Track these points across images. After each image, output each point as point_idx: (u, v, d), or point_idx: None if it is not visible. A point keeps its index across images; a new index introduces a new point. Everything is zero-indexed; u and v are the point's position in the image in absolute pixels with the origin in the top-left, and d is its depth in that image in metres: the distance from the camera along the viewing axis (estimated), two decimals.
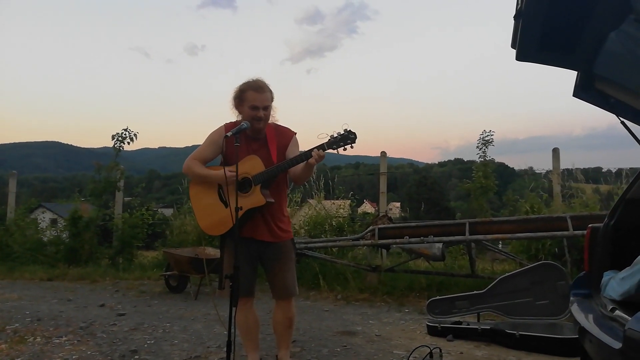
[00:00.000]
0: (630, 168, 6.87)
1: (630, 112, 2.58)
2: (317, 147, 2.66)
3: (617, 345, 1.79)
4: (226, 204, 2.87)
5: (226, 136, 2.71)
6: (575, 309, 2.50)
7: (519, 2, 2.23)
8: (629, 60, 2.34)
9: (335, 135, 2.65)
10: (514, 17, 2.31)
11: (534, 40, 2.42)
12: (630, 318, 1.83)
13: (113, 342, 3.85)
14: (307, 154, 2.69)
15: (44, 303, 5.47)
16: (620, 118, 2.61)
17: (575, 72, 2.73)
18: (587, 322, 2.26)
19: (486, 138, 7.16)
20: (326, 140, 2.66)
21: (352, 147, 2.66)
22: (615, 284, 2.33)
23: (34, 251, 8.36)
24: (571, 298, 2.67)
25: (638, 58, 2.29)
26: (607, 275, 2.49)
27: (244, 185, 2.79)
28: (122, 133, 8.35)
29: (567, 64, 2.65)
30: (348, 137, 2.64)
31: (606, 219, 2.73)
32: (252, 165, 2.80)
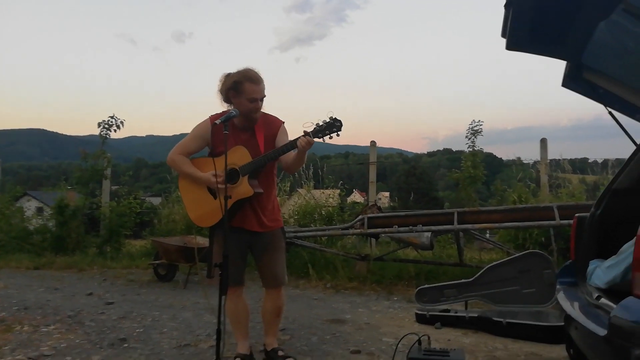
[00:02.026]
0: (616, 159, 6.98)
1: (617, 103, 2.62)
2: (302, 136, 2.63)
3: (602, 332, 1.82)
4: (215, 196, 2.85)
5: (215, 123, 2.69)
6: (561, 296, 2.54)
7: None
8: (617, 51, 2.36)
9: (321, 123, 2.62)
10: (504, 5, 2.31)
11: (524, 30, 2.43)
12: (615, 306, 1.86)
13: (102, 330, 3.83)
14: (293, 144, 2.67)
15: (31, 292, 5.42)
16: (608, 108, 2.64)
17: (565, 62, 2.74)
18: (573, 309, 2.30)
19: (475, 128, 7.21)
20: (311, 129, 2.63)
21: (338, 135, 2.62)
22: (601, 272, 2.37)
23: (20, 240, 8.26)
24: (557, 286, 2.72)
25: (626, 48, 2.31)
26: (592, 264, 2.54)
27: (231, 176, 2.77)
28: (109, 120, 8.24)
29: (556, 54, 2.67)
30: (334, 125, 2.61)
31: (592, 209, 2.77)
32: (238, 156, 2.77)
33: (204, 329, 3.87)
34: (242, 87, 2.80)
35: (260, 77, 2.85)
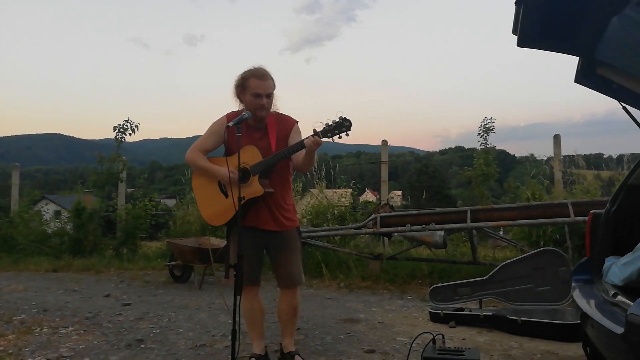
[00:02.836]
0: (631, 154, 6.87)
1: (632, 98, 2.58)
2: (311, 136, 2.64)
3: (619, 330, 1.81)
4: (226, 195, 2.88)
5: (228, 126, 2.72)
6: (577, 294, 2.52)
7: None
8: (631, 45, 2.33)
9: (330, 123, 2.62)
10: (515, 3, 2.30)
11: (536, 26, 2.41)
12: (632, 303, 1.84)
13: (119, 331, 3.89)
14: (302, 143, 2.68)
15: (50, 294, 5.52)
16: (622, 103, 2.61)
17: (577, 58, 2.72)
18: (589, 307, 2.28)
19: (487, 125, 7.15)
20: (321, 128, 2.64)
21: (347, 134, 2.62)
22: (617, 269, 2.35)
23: (39, 243, 8.42)
24: (573, 284, 2.70)
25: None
26: (608, 261, 2.51)
27: (243, 175, 2.79)
28: (124, 124, 8.35)
29: (568, 50, 2.64)
30: (343, 125, 2.61)
31: (608, 205, 2.74)
32: (250, 156, 2.80)
33: (219, 329, 3.91)
34: (247, 83, 2.84)
35: (267, 74, 2.87)
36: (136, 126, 8.43)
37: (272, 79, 2.90)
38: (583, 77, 2.72)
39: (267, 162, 2.79)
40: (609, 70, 2.59)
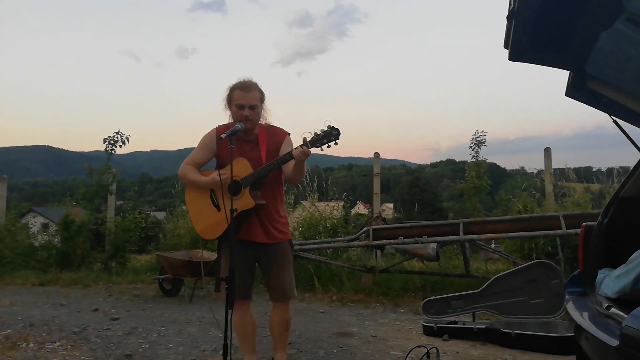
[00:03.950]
0: (620, 167, 6.95)
1: (622, 111, 2.61)
2: (299, 146, 2.63)
3: (614, 342, 1.80)
4: (218, 208, 2.86)
5: (220, 138, 2.70)
6: (570, 307, 2.51)
7: (512, 2, 2.24)
8: (621, 60, 2.36)
9: (319, 132, 2.60)
10: (506, 17, 2.32)
11: (527, 41, 2.43)
12: (626, 315, 1.83)
13: (107, 346, 3.81)
14: (291, 154, 2.67)
15: (36, 308, 5.41)
16: (613, 117, 2.63)
17: (568, 72, 2.75)
18: (583, 320, 2.27)
19: (479, 138, 7.22)
20: (309, 138, 2.63)
21: (336, 143, 2.61)
22: (610, 281, 2.35)
23: (26, 256, 8.28)
24: (566, 296, 2.68)
25: (630, 57, 2.31)
26: (602, 273, 2.51)
27: (234, 188, 2.77)
28: (114, 136, 8.31)
29: (559, 64, 2.67)
30: (331, 134, 2.59)
31: (600, 217, 2.75)
32: (240, 168, 2.78)
33: (209, 344, 3.84)
34: (232, 95, 2.87)
35: (254, 85, 2.88)
36: (127, 138, 8.39)
37: (260, 90, 2.90)
38: (574, 90, 2.75)
39: (258, 173, 2.77)
40: (600, 84, 2.62)
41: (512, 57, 2.54)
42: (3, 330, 4.33)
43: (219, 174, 2.74)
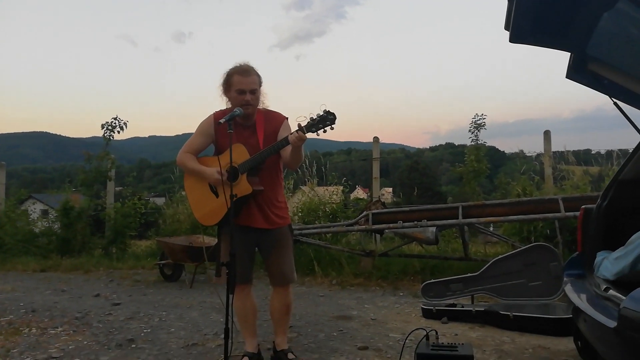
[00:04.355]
0: (620, 149, 6.94)
1: (623, 93, 2.59)
2: (295, 131, 2.61)
3: (612, 324, 1.82)
4: (217, 194, 2.86)
5: (219, 123, 2.69)
6: (569, 289, 2.54)
7: None
8: (622, 40, 2.34)
9: (314, 117, 2.58)
10: None
11: (528, 22, 2.41)
12: (624, 297, 1.85)
13: (109, 331, 3.85)
14: (287, 140, 2.65)
15: (38, 294, 5.45)
16: (613, 99, 2.62)
17: (568, 54, 2.72)
18: (581, 301, 2.29)
19: (478, 122, 7.19)
20: (305, 123, 2.61)
21: (332, 128, 2.59)
22: (609, 263, 2.36)
23: (26, 242, 8.31)
24: (565, 278, 2.71)
25: (632, 38, 2.29)
26: (600, 256, 2.53)
27: (232, 174, 2.76)
28: (112, 122, 8.27)
29: (560, 46, 2.65)
30: (327, 118, 2.57)
31: (599, 200, 2.76)
32: (237, 154, 2.75)
33: (211, 328, 3.88)
34: (231, 80, 2.83)
35: (251, 70, 2.85)
36: (124, 124, 8.35)
37: (258, 74, 2.88)
38: (574, 72, 2.73)
39: (255, 159, 2.76)
40: (601, 66, 2.61)
41: (513, 39, 2.52)
42: (5, 316, 4.36)
43: (217, 172, 2.73)
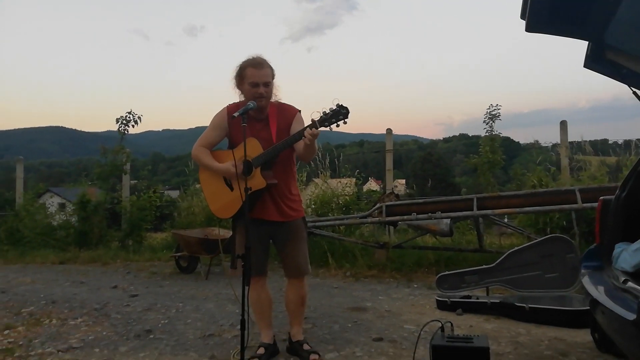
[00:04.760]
0: (638, 139, 6.81)
1: None
2: (308, 126, 2.61)
3: (631, 316, 1.80)
4: (231, 188, 2.88)
5: (233, 117, 2.70)
6: (586, 281, 2.51)
7: None
8: None
9: (328, 111, 2.58)
10: None
11: (545, 11, 2.36)
12: None
13: (127, 322, 3.92)
14: (301, 134, 2.65)
15: (57, 286, 5.56)
16: (633, 88, 2.57)
17: (586, 43, 2.67)
18: (599, 294, 2.27)
19: (493, 112, 7.11)
20: (317, 117, 2.60)
21: (345, 122, 2.58)
22: (628, 255, 2.33)
23: (45, 235, 8.47)
24: (582, 270, 2.68)
25: None
26: (618, 247, 2.49)
27: (246, 168, 2.78)
28: (127, 116, 8.35)
29: (577, 34, 2.59)
30: (340, 113, 2.56)
31: (618, 191, 2.72)
32: (251, 148, 2.77)
33: (227, 319, 3.92)
34: (244, 73, 2.83)
35: (265, 62, 2.85)
36: (139, 118, 8.44)
37: (271, 67, 2.88)
38: (592, 61, 2.68)
39: (268, 154, 2.77)
40: (619, 55, 2.55)
41: (530, 28, 2.48)
42: (27, 308, 4.47)
43: (232, 165, 2.75)
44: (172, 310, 4.30)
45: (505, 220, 6.52)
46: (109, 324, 3.89)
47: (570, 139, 6.87)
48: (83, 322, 3.97)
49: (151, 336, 3.54)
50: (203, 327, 3.74)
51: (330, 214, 7.03)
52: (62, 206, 11.18)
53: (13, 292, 5.23)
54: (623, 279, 2.22)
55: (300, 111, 3.01)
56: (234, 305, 4.32)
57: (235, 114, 2.66)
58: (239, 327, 2.57)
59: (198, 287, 5.35)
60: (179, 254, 6.25)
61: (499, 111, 7.10)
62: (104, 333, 3.64)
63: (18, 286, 5.58)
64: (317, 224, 6.18)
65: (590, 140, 7.30)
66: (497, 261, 4.09)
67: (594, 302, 2.31)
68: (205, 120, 3.07)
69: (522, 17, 2.44)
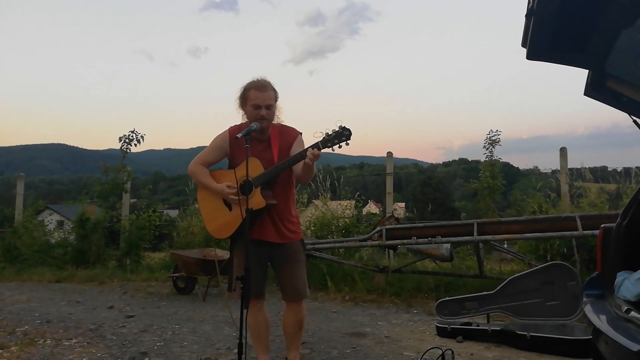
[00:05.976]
0: (637, 167, 6.82)
1: None
2: (311, 147, 2.63)
3: (635, 347, 1.77)
4: (230, 207, 2.88)
5: (236, 137, 2.71)
6: (588, 309, 2.47)
7: (531, 0, 2.21)
8: None
9: (330, 132, 2.61)
10: (525, 15, 2.29)
11: (546, 39, 2.39)
12: None
13: (123, 344, 3.85)
14: (303, 154, 2.67)
15: (53, 305, 5.49)
16: (633, 117, 2.59)
17: (586, 71, 2.70)
18: (601, 323, 2.23)
19: (493, 138, 7.14)
20: (320, 138, 2.63)
21: (347, 144, 2.61)
22: (630, 284, 2.31)
23: (42, 253, 8.40)
24: (584, 299, 2.65)
25: None
26: (620, 276, 2.47)
27: (246, 188, 2.78)
28: (129, 135, 8.39)
29: (578, 63, 2.62)
30: (342, 134, 2.59)
31: (619, 219, 2.70)
32: (252, 168, 2.77)
33: (223, 342, 3.86)
34: (248, 94, 2.86)
35: (269, 85, 2.88)
36: (142, 137, 8.46)
37: (274, 90, 2.91)
38: (593, 90, 2.70)
39: (269, 173, 2.78)
40: (619, 83, 2.57)
41: (530, 56, 2.51)
42: (21, 327, 4.41)
43: (227, 186, 2.78)
44: (169, 332, 4.23)
45: (505, 246, 6.48)
46: (104, 345, 3.83)
47: (569, 166, 6.89)
48: (77, 343, 3.90)
49: (146, 359, 3.48)
50: (199, 350, 3.68)
51: (329, 237, 6.99)
52: (60, 223, 11.15)
53: (8, 310, 5.17)
54: (626, 308, 2.19)
55: (301, 133, 3.03)
56: (231, 328, 4.26)
57: (239, 135, 2.68)
58: (236, 350, 2.53)
59: (195, 308, 5.29)
60: (176, 274, 6.20)
61: (499, 136, 7.14)
62: (99, 355, 3.57)
63: (13, 304, 5.51)
64: (316, 246, 6.15)
65: (589, 167, 7.32)
66: (498, 288, 4.06)
67: (597, 332, 2.27)
68: (207, 140, 3.09)
69: (523, 45, 2.47)
